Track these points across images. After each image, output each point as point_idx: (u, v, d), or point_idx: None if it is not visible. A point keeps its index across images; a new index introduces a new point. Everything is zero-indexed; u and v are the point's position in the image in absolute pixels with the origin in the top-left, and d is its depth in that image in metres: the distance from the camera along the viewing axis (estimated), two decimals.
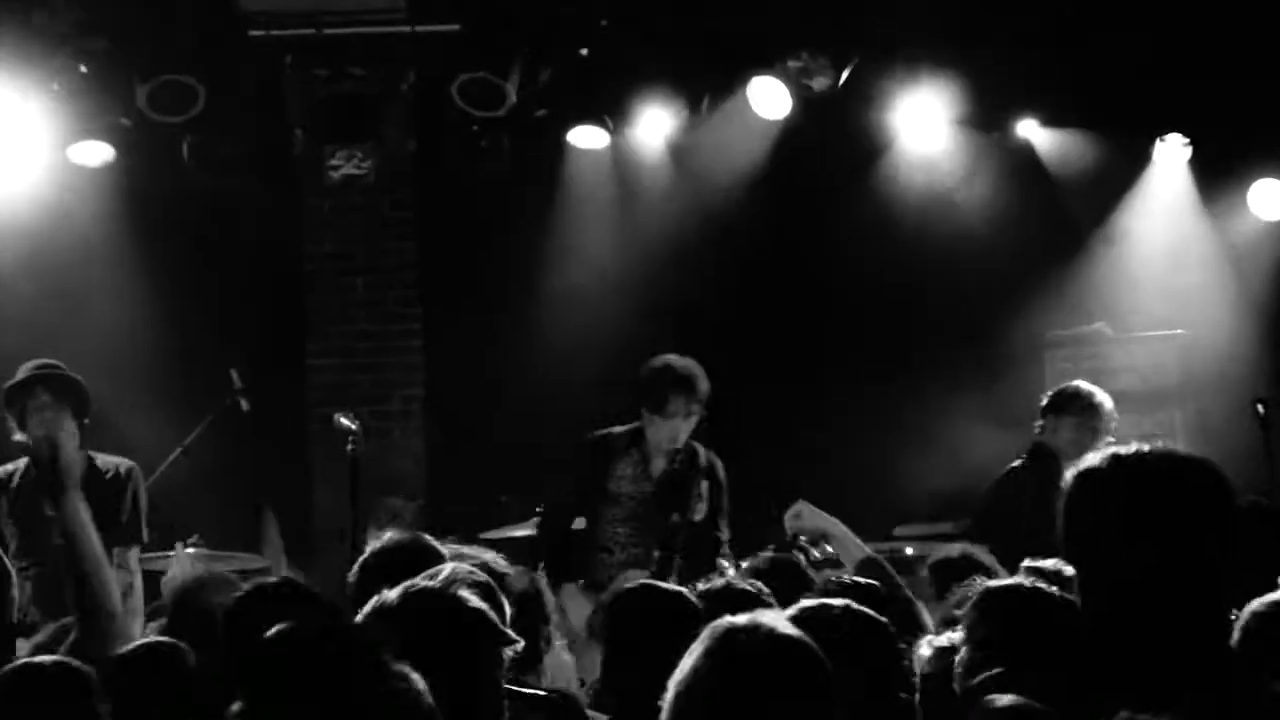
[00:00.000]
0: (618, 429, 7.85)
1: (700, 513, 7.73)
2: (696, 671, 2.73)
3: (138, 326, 9.66)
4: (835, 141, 9.91)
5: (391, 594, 3.32)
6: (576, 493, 7.88)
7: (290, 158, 10.05)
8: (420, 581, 3.44)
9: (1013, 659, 3.48)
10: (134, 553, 7.54)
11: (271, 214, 10.03)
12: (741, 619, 2.78)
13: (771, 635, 2.76)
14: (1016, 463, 7.88)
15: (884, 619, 3.89)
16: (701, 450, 7.86)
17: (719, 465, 7.89)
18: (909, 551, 8.92)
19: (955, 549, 5.62)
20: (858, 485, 8.98)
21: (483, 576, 3.71)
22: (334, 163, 9.95)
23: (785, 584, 5.05)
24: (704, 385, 7.59)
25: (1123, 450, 2.97)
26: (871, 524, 8.49)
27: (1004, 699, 3.23)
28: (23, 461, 7.46)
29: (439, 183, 10.12)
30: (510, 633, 3.42)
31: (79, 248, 9.68)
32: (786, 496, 6.41)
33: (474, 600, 3.37)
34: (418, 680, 2.69)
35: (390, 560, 4.29)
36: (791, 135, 9.88)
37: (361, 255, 10.16)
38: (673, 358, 7.65)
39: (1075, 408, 7.81)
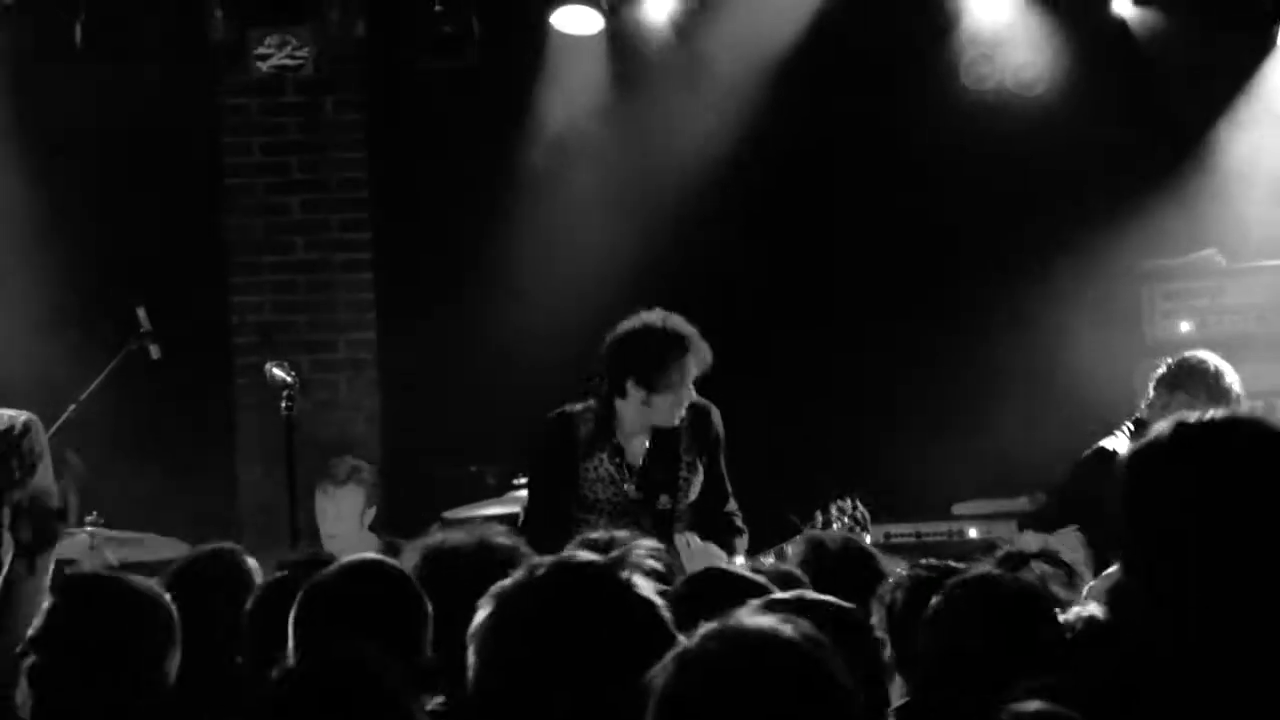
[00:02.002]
0: (574, 409, 7.11)
1: (694, 490, 7.09)
2: (664, 691, 2.66)
3: (20, 253, 9.30)
4: (885, 20, 9.34)
5: (541, 565, 3.15)
6: (551, 488, 7.17)
7: (208, 45, 9.60)
8: (584, 554, 3.31)
9: None
10: None
11: (185, 115, 9.60)
12: (713, 623, 2.72)
13: (747, 639, 2.68)
14: (1110, 441, 7.45)
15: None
16: None
17: (713, 412, 7.15)
18: (972, 534, 8.86)
19: (1033, 543, 5.18)
20: (909, 452, 8.89)
21: (658, 562, 3.59)
22: (263, 51, 9.48)
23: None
24: (702, 341, 6.96)
25: (1192, 419, 2.86)
26: (928, 500, 8.96)
27: (1030, 705, 3.17)
28: None
29: (393, 77, 9.77)
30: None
31: None
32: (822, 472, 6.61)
33: (644, 589, 3.18)
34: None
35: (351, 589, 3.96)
36: (831, 12, 9.36)
37: (298, 167, 9.80)
38: (651, 316, 6.93)
39: (1194, 385, 7.34)
